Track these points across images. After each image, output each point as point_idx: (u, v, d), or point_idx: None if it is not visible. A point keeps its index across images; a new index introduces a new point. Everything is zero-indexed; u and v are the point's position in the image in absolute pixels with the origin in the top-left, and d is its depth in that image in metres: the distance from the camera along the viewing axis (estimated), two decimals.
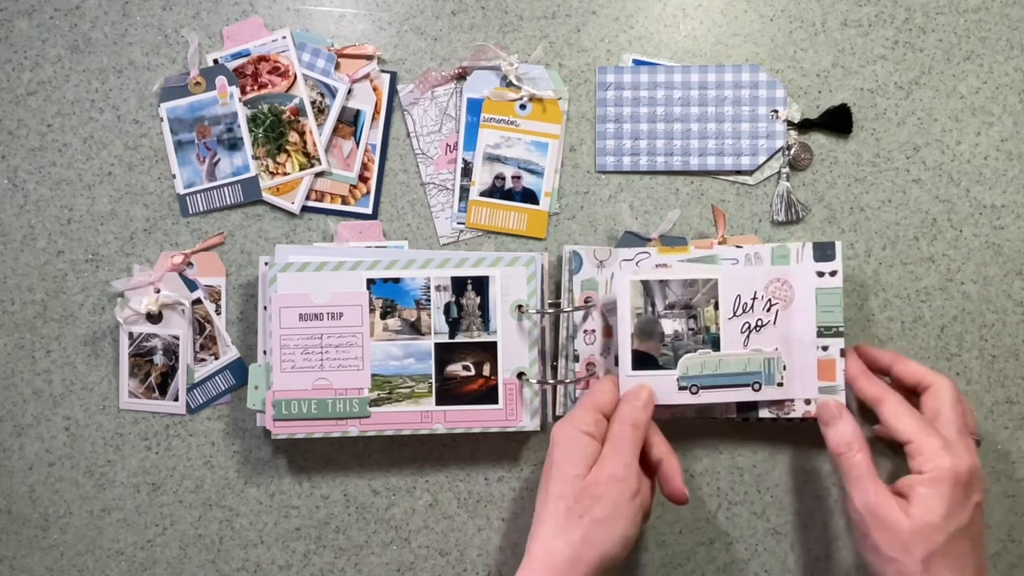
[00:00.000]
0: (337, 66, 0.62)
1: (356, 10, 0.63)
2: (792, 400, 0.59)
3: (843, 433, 0.55)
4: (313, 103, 0.62)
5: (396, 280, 0.59)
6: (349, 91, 0.62)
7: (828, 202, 0.63)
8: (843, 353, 0.59)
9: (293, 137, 0.62)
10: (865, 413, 0.61)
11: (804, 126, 0.63)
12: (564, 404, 0.60)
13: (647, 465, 0.56)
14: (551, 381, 0.61)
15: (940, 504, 0.51)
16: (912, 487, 0.52)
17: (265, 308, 0.60)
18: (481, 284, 0.59)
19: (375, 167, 0.63)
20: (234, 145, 0.62)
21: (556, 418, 0.61)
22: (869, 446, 0.55)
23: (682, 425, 0.62)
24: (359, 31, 0.63)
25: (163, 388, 0.63)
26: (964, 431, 0.55)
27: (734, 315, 0.57)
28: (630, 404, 0.56)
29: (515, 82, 0.62)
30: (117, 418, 0.63)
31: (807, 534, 0.63)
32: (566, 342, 0.60)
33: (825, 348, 0.58)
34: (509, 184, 0.63)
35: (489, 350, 0.59)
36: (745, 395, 0.58)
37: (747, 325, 0.58)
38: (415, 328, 0.59)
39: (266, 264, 0.60)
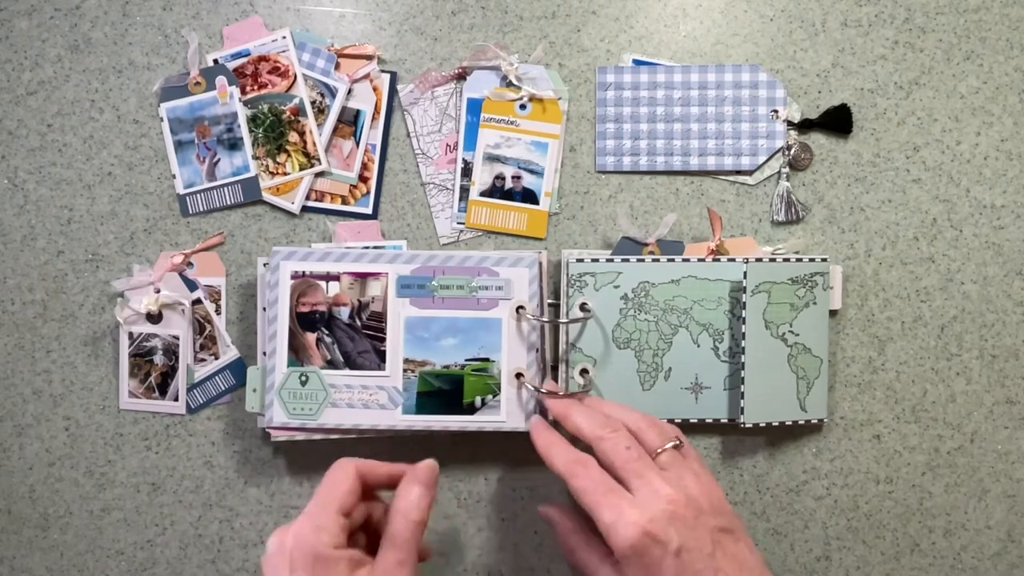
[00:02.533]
0: (337, 66, 0.62)
1: (356, 10, 0.63)
2: None
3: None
4: (313, 103, 0.62)
5: None
6: (349, 91, 0.62)
7: (828, 202, 0.63)
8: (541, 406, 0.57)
9: (293, 137, 0.62)
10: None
11: (804, 126, 0.63)
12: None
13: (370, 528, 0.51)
14: (551, 381, 0.61)
15: None
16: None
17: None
18: None
19: (375, 167, 0.63)
20: (234, 145, 0.62)
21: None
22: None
23: (681, 425, 0.62)
24: (359, 31, 0.63)
25: (163, 388, 0.63)
26: (640, 460, 0.48)
27: None
28: (415, 492, 0.49)
29: (515, 82, 0.62)
30: (117, 418, 0.63)
31: (807, 534, 0.63)
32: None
33: None
34: (509, 184, 0.63)
35: None
36: None
37: None
38: None
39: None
